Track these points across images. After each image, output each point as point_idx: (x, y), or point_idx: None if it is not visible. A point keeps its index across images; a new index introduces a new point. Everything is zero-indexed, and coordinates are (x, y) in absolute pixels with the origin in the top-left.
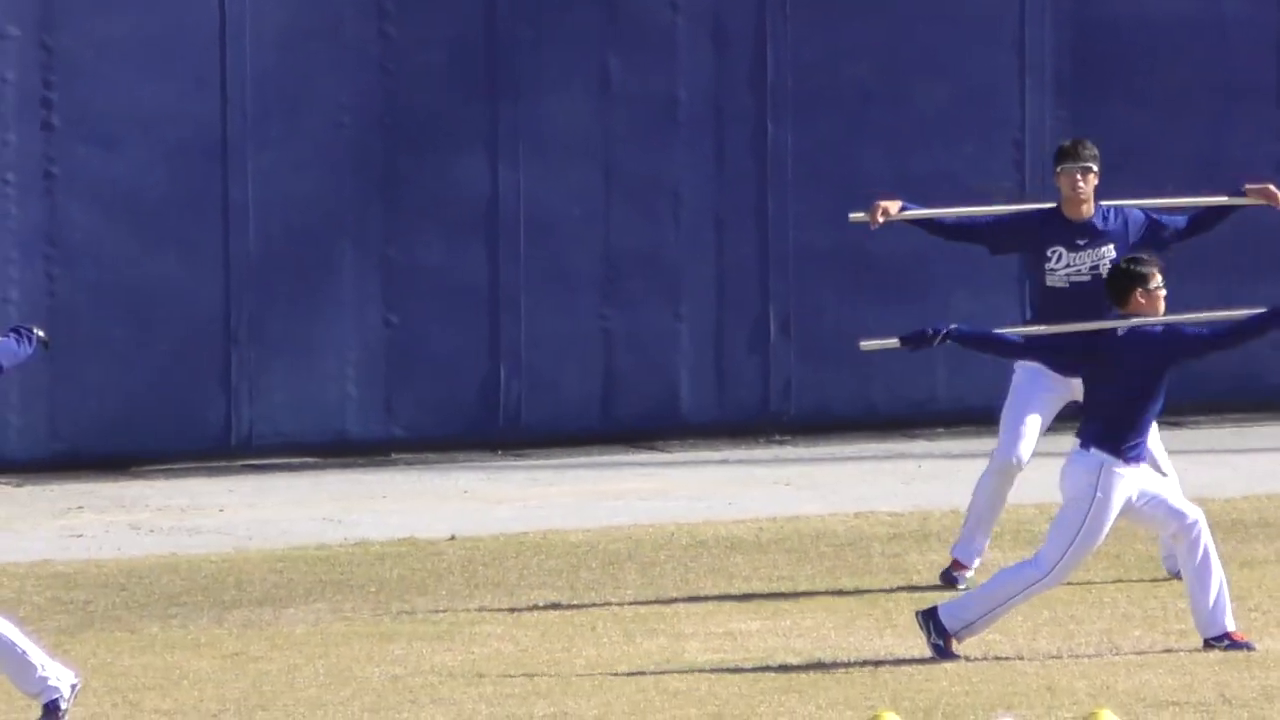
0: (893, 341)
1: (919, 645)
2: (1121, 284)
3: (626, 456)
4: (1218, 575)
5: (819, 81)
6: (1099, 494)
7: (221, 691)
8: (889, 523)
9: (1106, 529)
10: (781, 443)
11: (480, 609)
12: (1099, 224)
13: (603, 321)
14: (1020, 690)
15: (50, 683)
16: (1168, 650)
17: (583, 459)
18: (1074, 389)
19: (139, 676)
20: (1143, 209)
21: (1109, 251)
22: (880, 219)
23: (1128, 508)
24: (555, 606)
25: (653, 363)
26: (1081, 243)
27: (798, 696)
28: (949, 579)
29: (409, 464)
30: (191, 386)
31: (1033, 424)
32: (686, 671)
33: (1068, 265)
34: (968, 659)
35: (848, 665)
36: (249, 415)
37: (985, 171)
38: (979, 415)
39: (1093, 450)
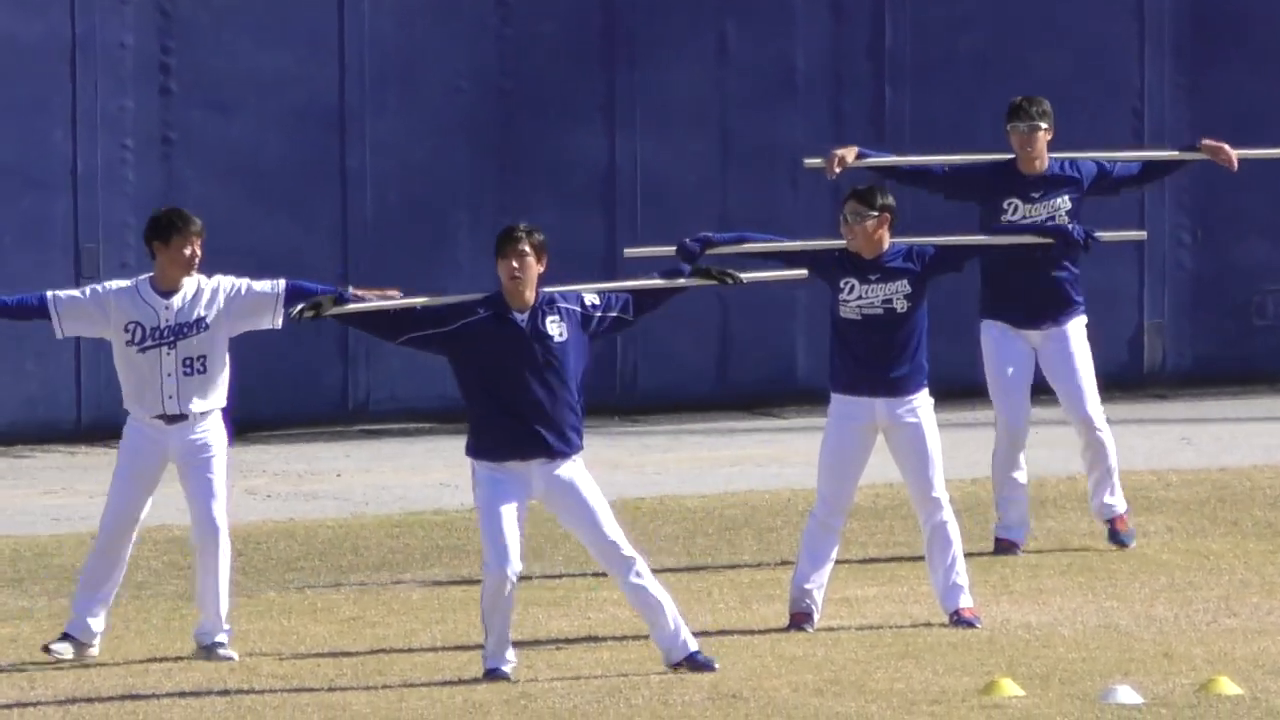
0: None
1: (1036, 611)
2: None
3: (743, 422)
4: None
5: (937, 48)
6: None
7: (338, 656)
8: None
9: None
10: None
11: (596, 575)
12: (1053, 175)
13: (718, 288)
14: (1137, 657)
15: None
16: None
17: (699, 425)
18: (1032, 339)
19: (256, 641)
20: (1094, 159)
21: (1064, 202)
22: (837, 168)
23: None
24: (671, 572)
25: (769, 329)
26: (1036, 195)
27: (914, 663)
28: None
29: None
30: (309, 353)
31: (1021, 385)
32: (803, 637)
33: (1024, 217)
34: (1084, 626)
35: (964, 631)
36: (366, 381)
37: (1104, 138)
38: (1097, 382)
39: None
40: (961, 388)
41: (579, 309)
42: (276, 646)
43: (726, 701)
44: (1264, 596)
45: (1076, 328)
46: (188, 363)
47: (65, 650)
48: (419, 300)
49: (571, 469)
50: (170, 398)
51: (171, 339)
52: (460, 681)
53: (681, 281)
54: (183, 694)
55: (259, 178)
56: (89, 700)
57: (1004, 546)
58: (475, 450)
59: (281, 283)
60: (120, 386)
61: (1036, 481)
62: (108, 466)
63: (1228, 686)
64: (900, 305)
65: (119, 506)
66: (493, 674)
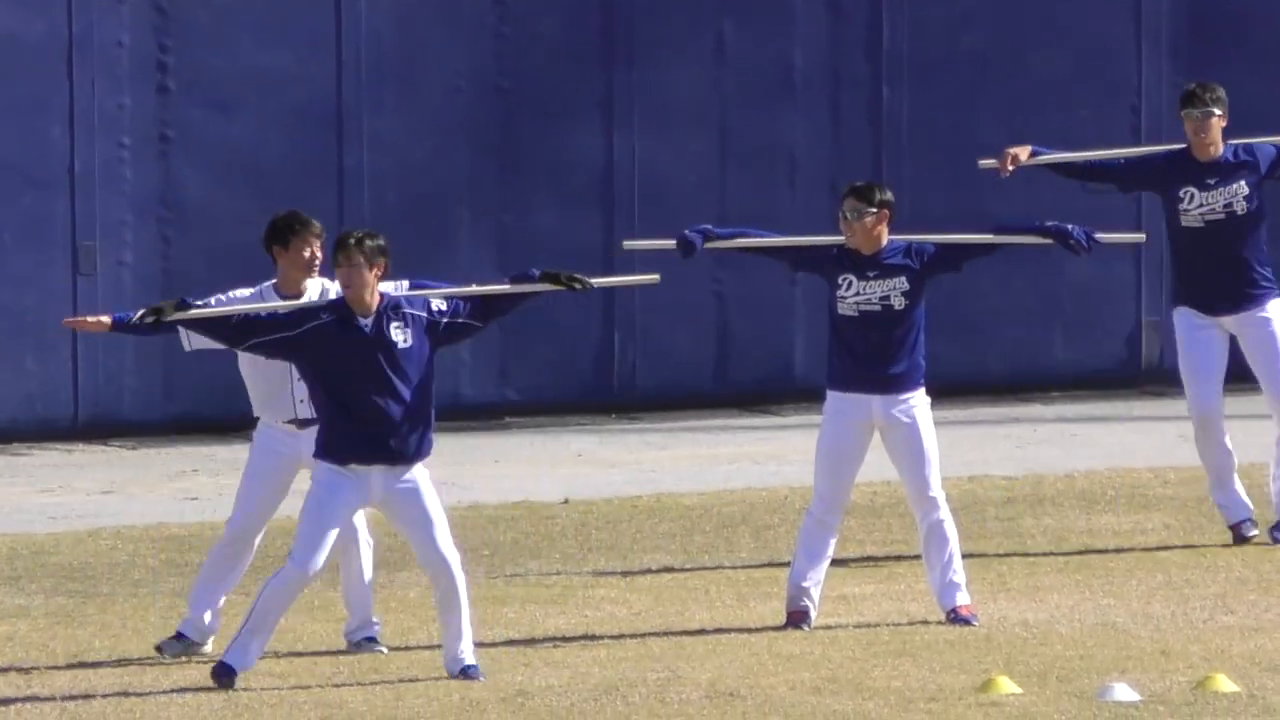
0: (666, 243)
1: (1033, 609)
2: None
3: (740, 420)
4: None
5: (935, 46)
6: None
7: (336, 654)
8: (1003, 487)
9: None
10: None
11: (593, 573)
12: (1228, 162)
13: (717, 285)
14: (1134, 655)
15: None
16: None
17: (696, 422)
18: (1226, 325)
19: None
20: (1273, 143)
21: (1241, 188)
22: (1010, 166)
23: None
24: (668, 570)
25: (766, 326)
26: (1212, 181)
27: (911, 661)
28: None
29: (523, 428)
30: None
31: (1210, 372)
32: (800, 635)
33: (1201, 205)
34: (1082, 623)
35: (961, 629)
36: None
37: (1102, 137)
38: (1095, 380)
39: None
40: (959, 386)
41: (425, 314)
42: (273, 645)
43: (724, 699)
44: (1261, 594)
45: (1276, 309)
46: None
47: (175, 648)
48: (263, 306)
49: (414, 475)
50: (301, 401)
51: None
52: (457, 679)
53: (528, 287)
54: (180, 691)
55: (257, 177)
56: (86, 698)
57: (1239, 535)
58: (322, 449)
59: (405, 283)
60: (247, 393)
61: (1034, 479)
62: (105, 464)
63: (1225, 684)
64: (898, 302)
65: (249, 508)
66: (224, 671)
